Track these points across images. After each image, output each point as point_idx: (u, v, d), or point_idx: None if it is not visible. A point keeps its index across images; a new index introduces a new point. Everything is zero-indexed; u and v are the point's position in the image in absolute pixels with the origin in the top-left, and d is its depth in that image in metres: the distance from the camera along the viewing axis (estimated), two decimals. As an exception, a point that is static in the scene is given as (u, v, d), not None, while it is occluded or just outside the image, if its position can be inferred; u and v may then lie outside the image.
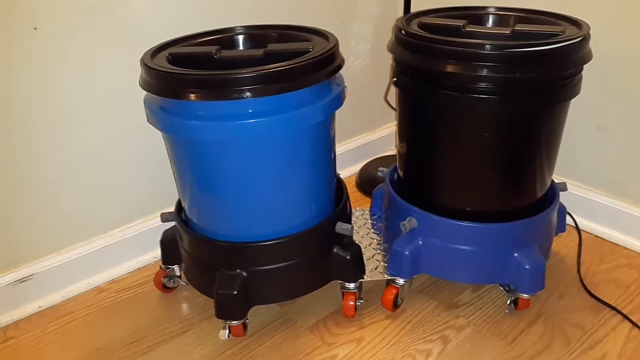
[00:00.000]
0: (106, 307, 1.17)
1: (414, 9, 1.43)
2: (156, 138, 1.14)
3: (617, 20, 1.17)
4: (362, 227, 1.29)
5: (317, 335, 1.08)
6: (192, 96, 0.87)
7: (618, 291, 1.15)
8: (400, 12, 1.47)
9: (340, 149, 1.20)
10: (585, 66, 1.01)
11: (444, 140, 1.05)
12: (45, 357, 1.06)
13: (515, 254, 1.05)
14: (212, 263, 1.04)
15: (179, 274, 1.18)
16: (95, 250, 1.22)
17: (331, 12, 1.44)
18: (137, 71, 0.96)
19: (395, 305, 1.11)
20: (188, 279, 1.14)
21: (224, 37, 1.09)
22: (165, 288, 1.19)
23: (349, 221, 1.14)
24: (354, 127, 1.65)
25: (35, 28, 1.01)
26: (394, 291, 1.10)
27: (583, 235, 1.32)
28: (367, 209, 1.35)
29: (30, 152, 1.08)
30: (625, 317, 1.08)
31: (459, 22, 1.07)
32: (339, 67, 0.97)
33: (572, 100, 1.03)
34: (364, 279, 1.11)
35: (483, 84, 0.94)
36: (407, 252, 1.08)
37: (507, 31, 1.04)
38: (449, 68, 0.95)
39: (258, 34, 1.11)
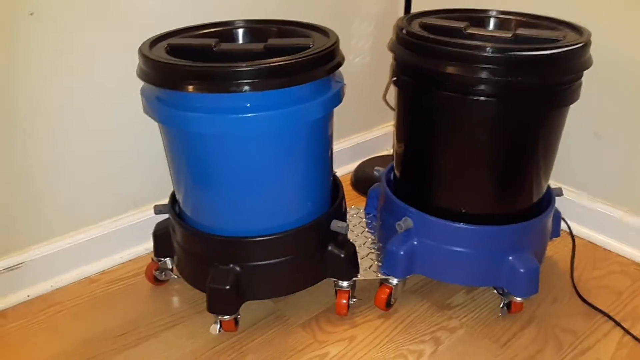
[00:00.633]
0: (96, 298, 1.16)
1: (414, 7, 1.43)
2: (150, 129, 1.13)
3: (617, 27, 1.17)
4: (356, 226, 1.28)
5: (309, 332, 1.07)
6: (190, 88, 0.86)
7: (610, 298, 1.16)
8: (401, 11, 1.46)
9: (336, 147, 1.19)
10: (584, 72, 1.01)
11: (442, 141, 1.05)
12: (32, 346, 1.04)
13: (510, 258, 1.05)
14: (206, 257, 1.03)
15: (170, 267, 1.17)
16: (87, 241, 1.20)
17: (331, 10, 1.44)
18: (134, 61, 0.95)
19: (388, 304, 1.11)
20: (180, 272, 1.13)
21: (224, 30, 1.09)
22: (156, 281, 1.18)
23: (344, 219, 1.13)
24: (351, 126, 1.64)
25: (31, 13, 1.00)
26: (388, 291, 1.10)
27: (577, 240, 1.32)
28: (362, 207, 1.35)
29: (22, 143, 1.07)
30: (617, 323, 1.09)
31: (461, 24, 1.07)
32: (339, 64, 0.97)
33: (571, 106, 1.03)
34: (357, 277, 1.11)
35: (483, 87, 0.94)
36: (401, 252, 1.08)
37: (509, 35, 1.04)
38: (449, 69, 0.95)
39: (258, 29, 1.10)
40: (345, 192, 1.16)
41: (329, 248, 1.07)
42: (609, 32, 1.17)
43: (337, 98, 0.99)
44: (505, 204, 1.08)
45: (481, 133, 1.01)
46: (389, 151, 1.72)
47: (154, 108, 0.93)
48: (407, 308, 1.13)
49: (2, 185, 1.08)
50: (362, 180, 1.57)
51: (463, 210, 1.07)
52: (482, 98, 0.95)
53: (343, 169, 1.63)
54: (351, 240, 1.18)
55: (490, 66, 0.93)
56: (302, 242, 1.04)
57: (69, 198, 1.16)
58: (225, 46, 1.00)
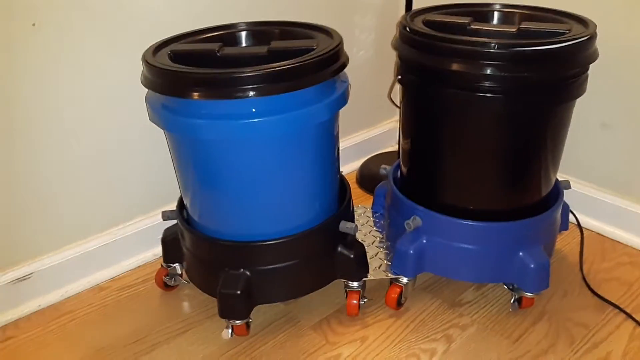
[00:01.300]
0: (107, 306, 1.16)
1: (416, 1, 1.42)
2: (157, 135, 1.13)
3: (623, 17, 1.16)
4: (364, 225, 1.28)
5: (321, 334, 1.07)
6: (196, 95, 0.86)
7: (621, 289, 1.15)
8: (402, 3, 1.45)
9: (341, 145, 1.18)
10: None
11: (449, 139, 1.05)
12: (46, 357, 1.05)
13: (520, 253, 1.05)
14: (216, 262, 1.03)
15: (180, 273, 1.17)
16: (95, 248, 1.20)
17: (334, 2, 1.43)
18: (138, 68, 0.94)
19: (399, 303, 1.11)
20: (190, 277, 1.13)
21: (226, 33, 1.08)
22: (166, 286, 1.18)
23: (352, 220, 1.13)
24: (355, 123, 1.64)
25: (33, 24, 0.99)
26: (398, 290, 1.10)
27: (585, 232, 1.31)
28: (369, 206, 1.35)
29: (29, 150, 1.06)
30: (629, 315, 1.09)
31: (464, 20, 1.06)
32: (344, 65, 0.96)
33: (577, 99, 1.02)
34: (367, 277, 1.10)
35: (489, 83, 0.94)
36: (411, 251, 1.07)
37: (513, 29, 1.03)
38: (455, 66, 0.95)
39: (261, 31, 1.09)
40: (352, 190, 1.16)
41: (339, 249, 1.07)
42: (615, 21, 1.16)
43: (343, 99, 0.98)
44: (514, 199, 1.08)
45: (488, 129, 1.01)
46: (394, 147, 1.71)
47: (160, 116, 0.93)
48: (418, 306, 1.13)
49: (9, 196, 1.07)
50: (368, 177, 1.56)
51: (471, 207, 1.07)
52: (488, 94, 0.95)
53: (348, 167, 1.63)
54: (360, 239, 1.18)
55: (496, 62, 0.92)
56: (311, 245, 1.03)
57: (76, 207, 1.16)
58: (228, 50, 0.99)
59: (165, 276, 1.17)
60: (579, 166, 1.33)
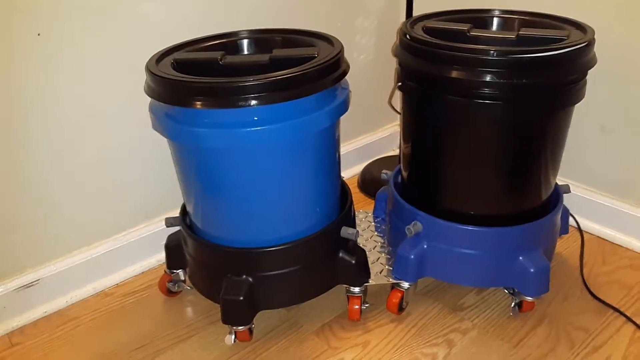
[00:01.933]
0: (112, 312, 1.17)
1: (416, 4, 1.43)
2: (160, 142, 1.13)
3: (621, 20, 1.17)
4: (365, 230, 1.29)
5: (323, 339, 1.08)
6: (199, 104, 0.87)
7: (621, 293, 1.16)
8: (403, 6, 1.46)
9: (342, 149, 1.19)
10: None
11: (449, 145, 1.06)
12: (52, 363, 1.06)
13: (520, 258, 1.06)
14: (218, 269, 1.04)
15: (183, 279, 1.18)
16: (100, 255, 1.22)
17: (335, 6, 1.44)
18: (141, 76, 0.95)
19: (401, 308, 1.12)
20: (193, 283, 1.14)
21: (228, 41, 1.09)
22: (169, 292, 1.19)
23: (353, 225, 1.14)
24: (356, 127, 1.65)
25: (39, 34, 1.00)
26: (399, 295, 1.11)
27: (585, 236, 1.32)
28: (370, 211, 1.35)
29: (34, 158, 1.08)
30: (629, 319, 1.09)
31: (464, 27, 1.07)
32: (344, 73, 0.97)
33: (576, 103, 1.03)
34: (369, 283, 1.11)
35: (488, 90, 0.95)
36: (412, 256, 1.08)
37: (512, 36, 1.04)
38: (454, 74, 0.95)
39: (262, 38, 1.10)
40: (353, 194, 1.17)
41: (340, 255, 1.08)
42: (612, 24, 1.17)
43: (344, 106, 0.99)
44: (514, 204, 1.08)
45: (488, 135, 1.01)
46: (395, 151, 1.72)
47: (163, 124, 0.94)
48: (419, 311, 1.14)
49: (14, 204, 1.09)
50: (369, 182, 1.57)
51: (472, 212, 1.08)
52: (487, 101, 0.96)
53: (350, 171, 1.64)
54: (361, 244, 1.19)
55: (495, 69, 0.93)
56: (312, 251, 1.04)
57: (81, 213, 1.18)
58: (230, 59, 1.00)
59: (168, 282, 1.18)
60: (579, 170, 1.34)
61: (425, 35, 1.03)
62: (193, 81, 0.88)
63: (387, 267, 1.16)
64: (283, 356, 1.05)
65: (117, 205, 1.22)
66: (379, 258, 1.19)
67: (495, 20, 1.16)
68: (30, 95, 1.03)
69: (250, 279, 1.01)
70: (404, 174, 1.19)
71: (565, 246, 1.30)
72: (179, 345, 1.08)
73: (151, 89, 0.93)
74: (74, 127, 1.10)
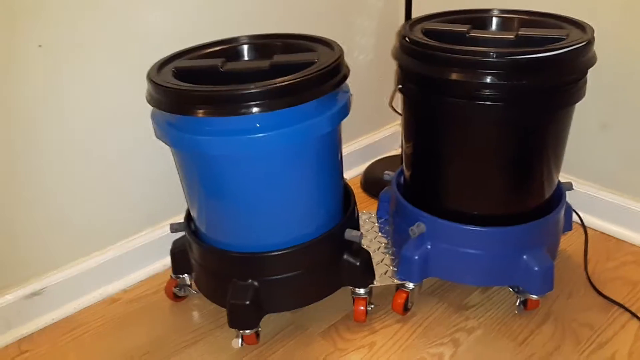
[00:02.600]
0: (119, 318, 1.18)
1: (415, 4, 1.43)
2: (164, 148, 1.14)
3: (621, 19, 1.17)
4: (369, 231, 1.29)
5: (329, 341, 1.09)
6: (201, 112, 0.88)
7: (625, 289, 1.16)
8: (402, 7, 1.46)
9: (344, 150, 1.20)
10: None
11: (451, 146, 1.06)
12: (62, 370, 1.07)
13: (524, 256, 1.06)
14: (224, 273, 1.05)
15: (189, 283, 1.19)
16: (106, 261, 1.22)
17: (334, 6, 1.44)
18: (143, 83, 0.96)
19: (406, 309, 1.12)
20: (199, 288, 1.15)
21: (229, 47, 1.10)
22: (176, 297, 1.20)
23: (357, 227, 1.15)
24: (358, 127, 1.65)
25: (40, 45, 1.01)
26: (404, 295, 1.11)
27: (589, 232, 1.32)
28: (374, 212, 1.36)
29: (39, 166, 1.09)
30: (634, 315, 1.10)
31: (463, 28, 1.07)
32: (345, 77, 0.98)
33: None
34: (374, 284, 1.12)
35: (488, 91, 0.95)
36: (416, 257, 1.09)
37: (511, 36, 1.04)
38: (454, 76, 0.96)
39: (263, 44, 1.11)
40: (356, 195, 1.17)
41: (344, 257, 1.08)
42: (612, 22, 1.16)
43: (345, 110, 1.00)
44: (517, 203, 1.09)
45: (489, 136, 1.02)
46: (398, 151, 1.73)
47: (166, 133, 0.95)
48: (425, 311, 1.15)
49: (20, 213, 1.10)
50: (372, 182, 1.58)
51: (474, 212, 1.08)
52: (488, 102, 0.96)
53: (352, 171, 1.64)
54: (365, 246, 1.20)
55: (495, 71, 0.93)
56: (317, 254, 1.05)
57: (86, 221, 1.18)
58: (231, 65, 1.01)
59: (174, 287, 1.19)
60: (582, 166, 1.34)
61: (424, 37, 1.03)
62: (194, 90, 0.88)
63: (391, 268, 1.16)
64: (290, 358, 1.06)
65: (122, 212, 1.23)
66: (383, 259, 1.19)
67: (495, 20, 1.16)
68: (34, 106, 1.04)
69: (256, 283, 1.02)
70: (407, 175, 1.20)
71: (569, 243, 1.30)
72: (186, 350, 1.09)
73: (153, 98, 0.94)
74: (79, 135, 1.11)
